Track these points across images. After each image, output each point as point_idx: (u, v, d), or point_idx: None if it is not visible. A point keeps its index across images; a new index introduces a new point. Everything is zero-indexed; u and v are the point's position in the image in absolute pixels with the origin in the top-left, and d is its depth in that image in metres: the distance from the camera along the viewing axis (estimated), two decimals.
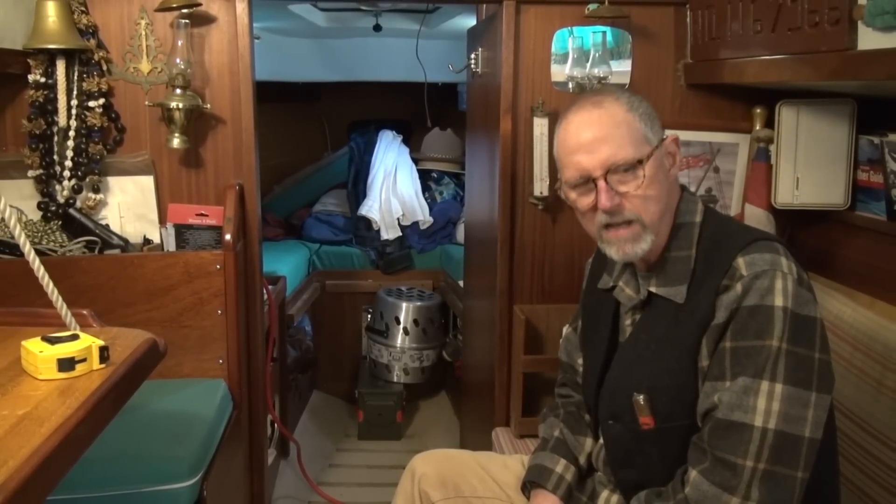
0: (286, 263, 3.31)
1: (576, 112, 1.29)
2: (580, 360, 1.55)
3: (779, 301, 1.15)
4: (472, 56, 2.47)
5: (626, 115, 1.26)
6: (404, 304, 3.48)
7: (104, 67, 2.05)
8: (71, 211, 2.04)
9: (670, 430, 1.26)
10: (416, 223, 3.84)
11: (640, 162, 1.24)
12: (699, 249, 1.27)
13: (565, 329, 1.64)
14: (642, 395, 1.27)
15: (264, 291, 2.39)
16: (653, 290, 1.30)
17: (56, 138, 2.02)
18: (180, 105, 2.00)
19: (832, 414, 1.24)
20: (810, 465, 1.15)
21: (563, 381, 1.62)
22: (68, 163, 2.03)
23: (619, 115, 1.26)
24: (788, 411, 1.13)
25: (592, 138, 1.26)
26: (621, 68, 2.15)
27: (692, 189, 1.98)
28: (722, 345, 1.19)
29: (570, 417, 1.54)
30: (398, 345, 3.46)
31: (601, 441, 1.43)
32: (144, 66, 2.08)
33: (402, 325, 3.46)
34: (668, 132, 1.33)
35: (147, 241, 2.11)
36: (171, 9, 1.99)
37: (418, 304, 3.49)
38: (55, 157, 2.03)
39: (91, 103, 2.03)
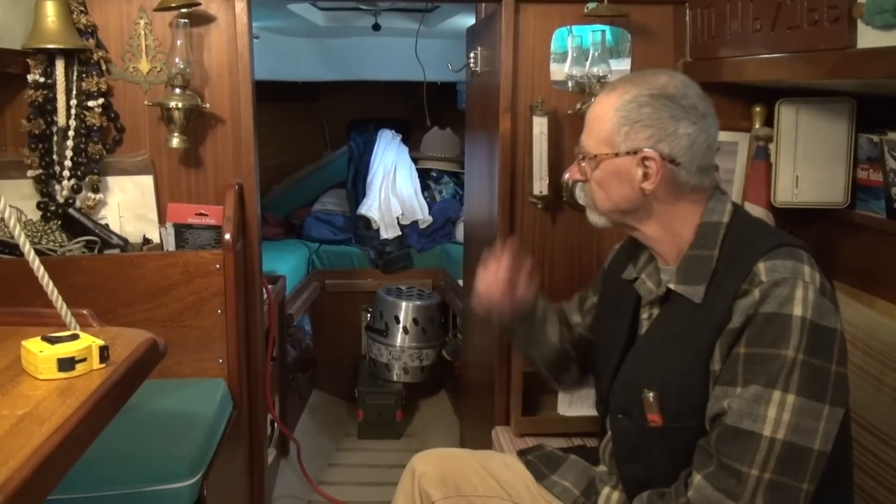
0: (286, 263, 3.32)
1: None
2: (577, 319, 1.62)
3: (797, 310, 1.13)
4: (472, 55, 2.47)
5: (608, 112, 1.29)
6: (404, 304, 3.48)
7: (103, 67, 2.05)
8: (70, 211, 2.04)
9: (678, 430, 1.25)
10: (415, 222, 3.84)
11: (590, 157, 1.31)
12: (722, 250, 1.26)
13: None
14: (652, 392, 1.26)
15: (264, 291, 2.39)
16: (671, 286, 1.29)
17: (55, 138, 2.02)
18: (179, 105, 2.00)
19: (848, 426, 1.22)
20: (817, 478, 1.13)
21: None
22: (67, 162, 2.02)
23: (605, 109, 1.30)
24: (799, 423, 1.12)
25: (587, 117, 1.35)
26: (620, 67, 2.15)
27: None
28: (736, 350, 1.17)
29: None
30: (398, 344, 3.46)
31: (609, 433, 1.42)
32: (143, 66, 2.08)
33: (401, 325, 3.46)
34: (649, 150, 1.25)
35: (146, 241, 2.11)
36: (170, 8, 1.99)
37: (418, 303, 3.49)
38: (54, 156, 2.03)
39: (90, 103, 2.03)
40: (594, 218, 1.37)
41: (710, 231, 1.28)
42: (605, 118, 1.29)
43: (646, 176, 1.27)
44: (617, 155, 1.28)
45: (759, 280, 1.17)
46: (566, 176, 1.40)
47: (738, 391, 1.15)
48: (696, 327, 1.24)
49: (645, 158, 1.26)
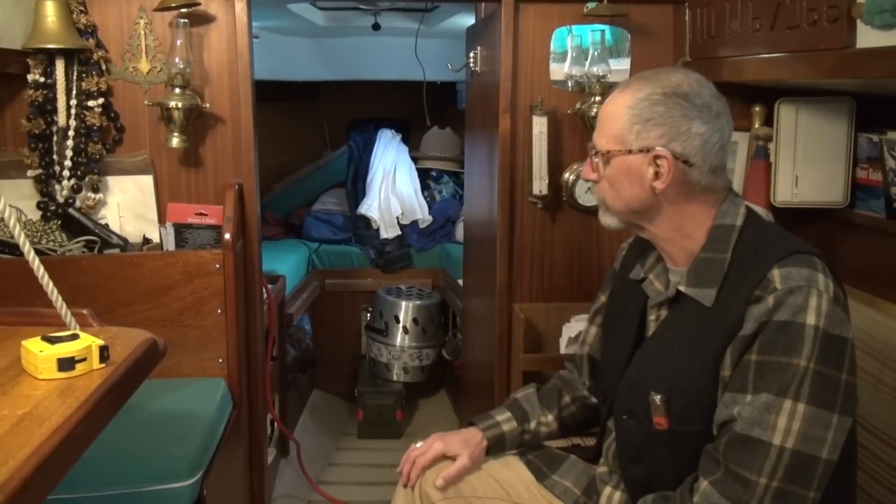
0: (285, 262, 3.31)
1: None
2: (588, 381, 1.60)
3: (811, 319, 1.13)
4: (471, 55, 2.47)
5: (620, 110, 1.27)
6: (404, 303, 3.48)
7: (103, 67, 2.05)
8: (70, 210, 2.04)
9: (683, 434, 1.25)
10: (415, 222, 3.84)
11: (602, 154, 1.30)
12: (735, 254, 1.24)
13: (584, 325, 1.65)
14: (659, 395, 1.25)
15: (264, 290, 2.39)
16: (681, 288, 1.28)
17: (55, 138, 2.02)
18: (179, 104, 2.00)
19: (854, 432, 1.21)
20: (823, 486, 1.13)
21: (572, 362, 1.65)
22: (67, 162, 2.02)
23: (618, 107, 1.28)
24: (808, 432, 1.12)
25: (600, 115, 1.34)
26: (620, 67, 2.16)
27: None
28: (747, 357, 1.16)
29: (548, 389, 1.59)
30: (398, 343, 3.46)
31: (613, 433, 1.41)
32: (143, 66, 2.08)
33: (401, 324, 3.46)
34: (661, 148, 1.24)
35: (146, 241, 2.11)
36: (169, 8, 1.99)
37: (417, 302, 3.49)
38: (54, 156, 2.03)
39: (90, 103, 2.03)
40: (606, 219, 1.35)
41: (723, 234, 1.26)
42: (617, 116, 1.27)
43: (657, 175, 1.25)
44: (630, 152, 1.26)
45: (773, 287, 1.15)
46: (582, 173, 1.39)
47: (748, 399, 1.15)
48: (706, 331, 1.22)
49: (657, 157, 1.24)
